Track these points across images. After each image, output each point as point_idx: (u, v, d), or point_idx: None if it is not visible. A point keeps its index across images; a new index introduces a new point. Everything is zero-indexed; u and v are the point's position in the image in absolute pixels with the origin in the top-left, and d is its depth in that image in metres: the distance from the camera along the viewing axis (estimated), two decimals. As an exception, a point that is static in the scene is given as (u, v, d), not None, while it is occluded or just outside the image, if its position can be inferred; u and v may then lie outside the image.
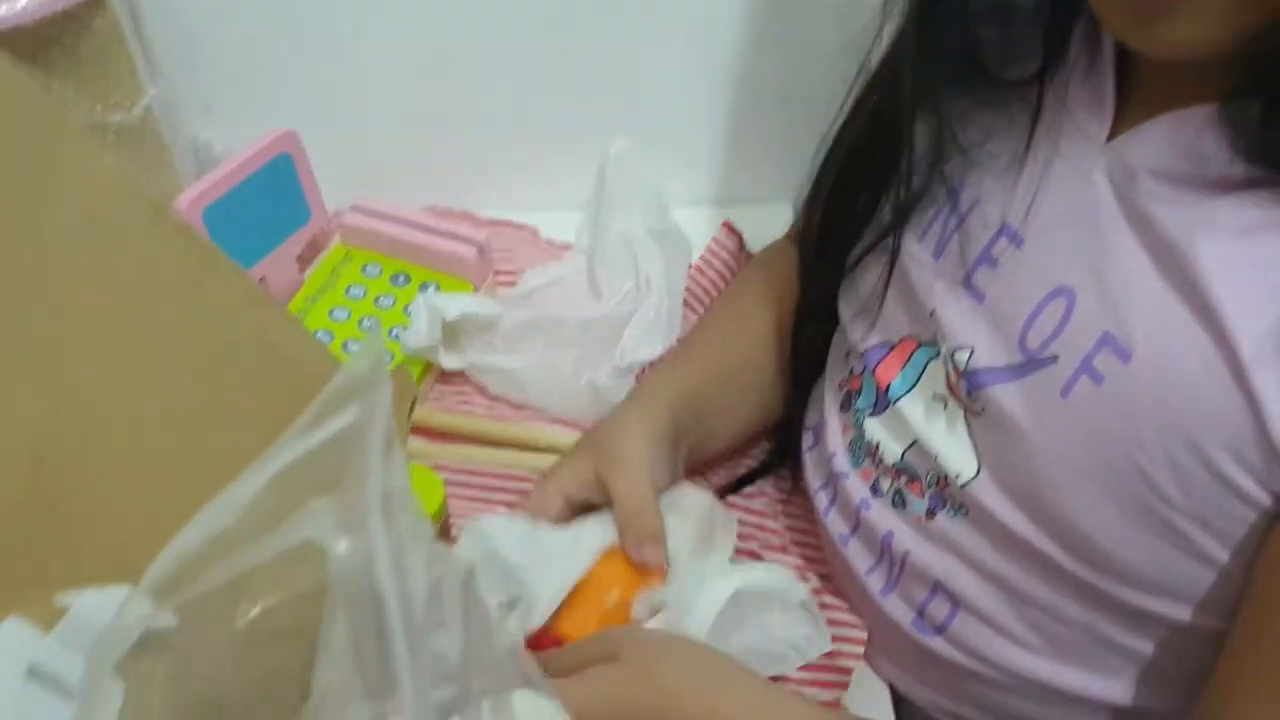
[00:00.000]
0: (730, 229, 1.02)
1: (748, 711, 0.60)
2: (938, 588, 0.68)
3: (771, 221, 1.08)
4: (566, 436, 0.86)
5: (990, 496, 0.63)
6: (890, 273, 0.70)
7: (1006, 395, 0.61)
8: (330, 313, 0.94)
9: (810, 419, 0.81)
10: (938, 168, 0.68)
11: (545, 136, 1.06)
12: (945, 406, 0.66)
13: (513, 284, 0.99)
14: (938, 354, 0.67)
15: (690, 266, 1.00)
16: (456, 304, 0.87)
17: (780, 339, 0.83)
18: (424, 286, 0.96)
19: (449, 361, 0.90)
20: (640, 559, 0.68)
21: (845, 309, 0.75)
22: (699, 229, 1.02)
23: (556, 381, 0.88)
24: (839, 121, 0.76)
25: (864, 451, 0.72)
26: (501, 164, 1.08)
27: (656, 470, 0.72)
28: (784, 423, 0.85)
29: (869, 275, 0.73)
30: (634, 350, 0.88)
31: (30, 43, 0.85)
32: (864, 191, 0.74)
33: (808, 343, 0.81)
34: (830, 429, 0.76)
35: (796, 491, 0.83)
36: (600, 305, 0.93)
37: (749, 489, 0.84)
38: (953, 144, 0.67)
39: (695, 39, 0.99)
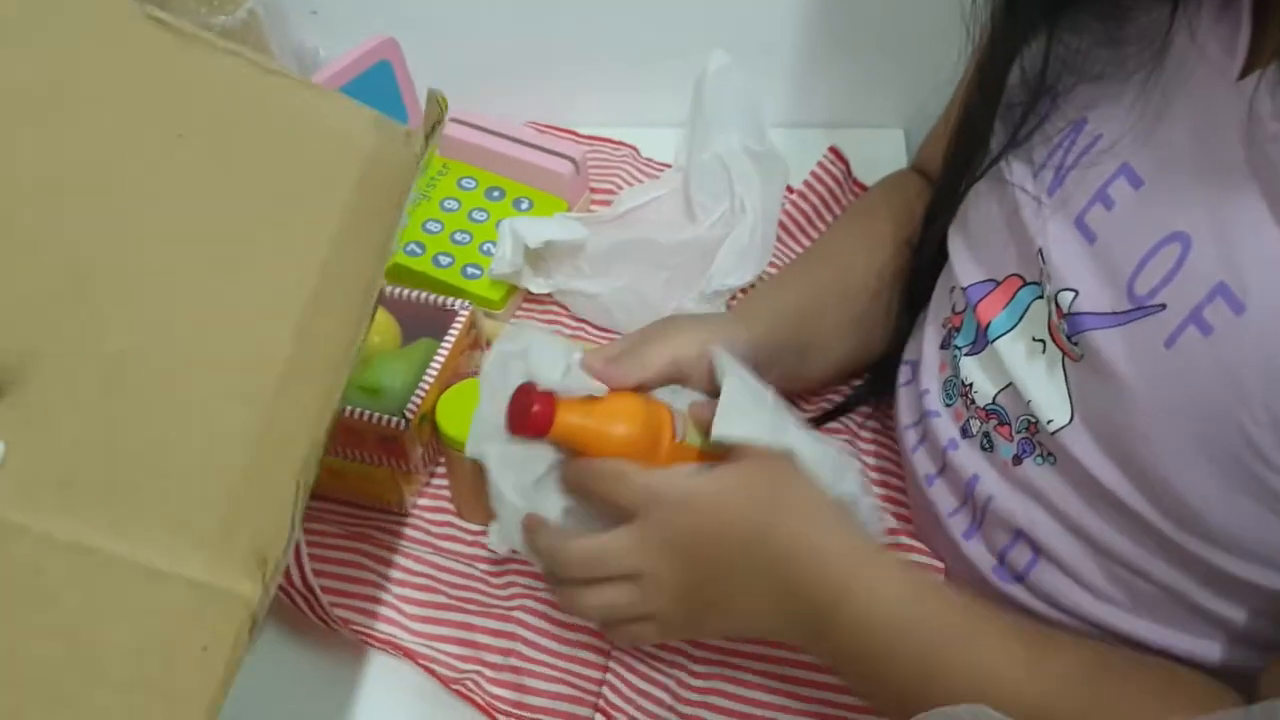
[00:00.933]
0: (837, 154, 0.99)
1: (850, 555, 0.60)
2: (1020, 535, 0.66)
3: (879, 147, 1.05)
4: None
5: (1081, 445, 0.61)
6: (1008, 202, 0.67)
7: (1108, 342, 0.59)
8: (424, 225, 0.94)
9: (909, 353, 0.79)
10: (1052, 92, 0.64)
11: (649, 50, 1.03)
12: (1044, 349, 0.64)
13: (608, 204, 0.98)
14: (1042, 294, 0.64)
15: (791, 191, 0.97)
16: (540, 230, 0.86)
17: (897, 269, 0.80)
18: (518, 202, 0.96)
19: (535, 285, 0.89)
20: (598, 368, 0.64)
21: (954, 240, 0.73)
22: (801, 152, 0.99)
23: (642, 307, 0.87)
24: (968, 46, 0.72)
25: (956, 391, 0.71)
26: (604, 79, 1.06)
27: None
28: (884, 357, 0.83)
29: (980, 207, 0.70)
30: (724, 276, 0.86)
31: (137, -57, 0.85)
32: (990, 120, 0.70)
33: (923, 276, 0.78)
34: (927, 366, 0.74)
35: (884, 429, 0.82)
36: (694, 227, 0.91)
37: (832, 424, 0.82)
38: (1068, 68, 0.63)
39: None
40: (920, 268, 0.79)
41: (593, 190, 1.00)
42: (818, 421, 0.82)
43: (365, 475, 0.76)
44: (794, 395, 0.82)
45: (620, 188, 1.00)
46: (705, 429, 0.62)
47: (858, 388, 0.85)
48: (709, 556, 0.60)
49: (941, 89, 1.03)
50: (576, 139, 1.06)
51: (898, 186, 0.87)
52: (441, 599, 0.74)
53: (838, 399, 0.85)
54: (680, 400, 0.65)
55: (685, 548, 0.60)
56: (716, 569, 0.61)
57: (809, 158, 0.99)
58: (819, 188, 0.97)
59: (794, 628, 0.62)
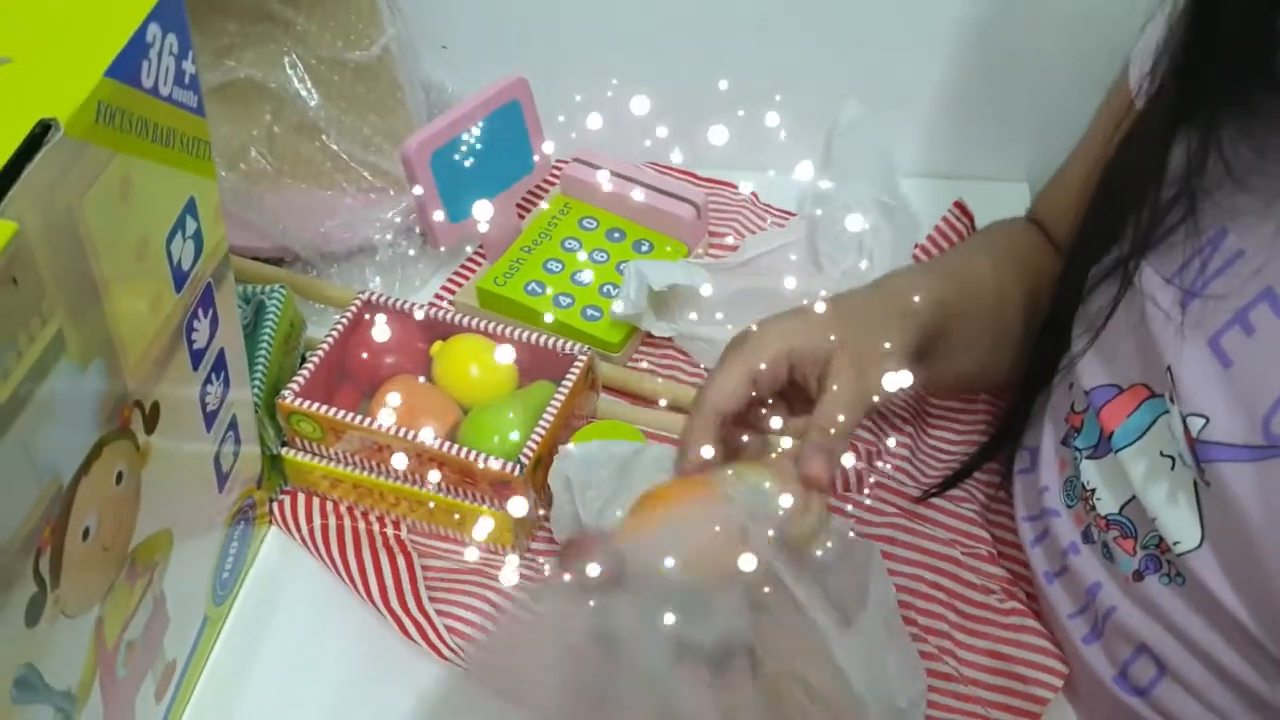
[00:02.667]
0: (962, 209, 0.96)
1: None
2: (1144, 649, 0.63)
3: (1005, 200, 1.02)
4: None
5: (1210, 572, 0.57)
6: (1115, 305, 0.63)
7: (1239, 476, 0.54)
8: (545, 264, 0.93)
9: (1029, 439, 0.76)
10: (1195, 195, 0.59)
11: (773, 97, 1.02)
12: (1173, 467, 0.59)
13: (728, 248, 0.97)
14: (1169, 411, 0.60)
15: (915, 246, 0.95)
16: (665, 274, 0.85)
17: (1030, 307, 0.75)
18: (638, 244, 0.95)
19: (658, 329, 0.88)
20: (806, 470, 0.59)
21: (1078, 336, 0.68)
22: (925, 202, 0.97)
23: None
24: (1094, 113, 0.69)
25: (1077, 494, 0.67)
26: (726, 123, 1.04)
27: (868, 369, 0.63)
28: (1005, 417, 0.79)
29: (1104, 301, 0.65)
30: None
31: (278, -22, 0.87)
32: (1115, 206, 0.66)
33: (1045, 351, 0.73)
34: (1045, 460, 0.71)
35: (1005, 499, 0.79)
36: (820, 278, 0.89)
37: (957, 492, 0.79)
38: (1217, 168, 0.58)
39: (933, 7, 0.94)
40: (1042, 343, 0.74)
41: (711, 234, 0.98)
42: (935, 491, 0.79)
43: (479, 516, 0.75)
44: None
45: (738, 232, 0.99)
46: None
47: (974, 455, 0.81)
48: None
49: (1065, 142, 1.01)
50: (695, 181, 1.04)
51: (1016, 234, 0.82)
52: None
53: (954, 465, 0.81)
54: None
55: None
56: None
57: (932, 208, 0.96)
58: (943, 243, 0.95)
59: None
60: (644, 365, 0.89)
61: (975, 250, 0.80)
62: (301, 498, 0.79)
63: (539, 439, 0.72)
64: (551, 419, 0.73)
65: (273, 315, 0.81)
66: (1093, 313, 0.66)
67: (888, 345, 0.63)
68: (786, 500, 0.56)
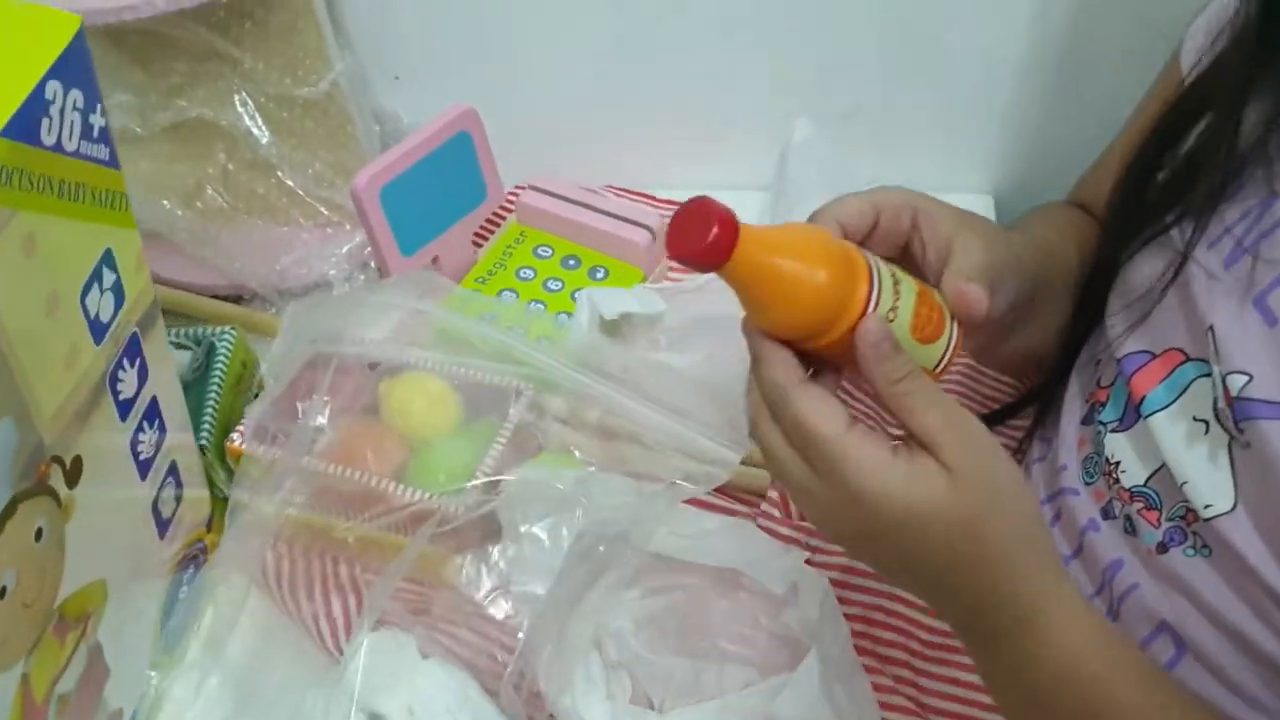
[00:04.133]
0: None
1: (1055, 607, 0.53)
2: (1163, 628, 0.61)
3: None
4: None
5: (1242, 536, 0.56)
6: (1175, 274, 0.61)
7: (1279, 433, 0.54)
8: (500, 294, 0.93)
9: (1044, 429, 0.75)
10: (1262, 156, 0.59)
11: (730, 115, 1.02)
12: (1207, 431, 0.59)
13: (686, 271, 0.96)
14: (1208, 373, 0.59)
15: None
16: (618, 302, 0.85)
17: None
18: (594, 271, 0.94)
19: (612, 356, 0.88)
20: (959, 292, 0.55)
21: (1113, 305, 0.67)
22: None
23: (721, 382, 0.85)
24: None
25: (1099, 469, 0.66)
26: (684, 143, 1.04)
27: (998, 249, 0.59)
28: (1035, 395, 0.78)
29: (1145, 270, 0.64)
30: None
31: (222, 16, 0.87)
32: (1161, 173, 0.65)
33: (1081, 330, 0.72)
34: (1065, 441, 0.70)
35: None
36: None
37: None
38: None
39: (883, 17, 0.93)
40: (1079, 323, 0.72)
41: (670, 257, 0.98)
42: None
43: (425, 555, 0.74)
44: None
45: (701, 256, 0.98)
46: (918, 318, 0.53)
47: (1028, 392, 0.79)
48: (887, 553, 0.53)
49: (1033, 153, 1.01)
50: (655, 204, 1.04)
51: (1076, 212, 0.81)
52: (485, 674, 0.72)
53: None
54: None
55: (862, 536, 0.53)
56: (891, 559, 0.54)
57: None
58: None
59: (957, 615, 0.56)
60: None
61: (1046, 224, 0.78)
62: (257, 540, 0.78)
63: (483, 475, 0.72)
64: (497, 457, 0.73)
65: (223, 357, 0.81)
66: (1131, 281, 0.65)
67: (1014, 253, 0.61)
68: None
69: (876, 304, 0.51)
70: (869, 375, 0.51)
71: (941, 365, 0.55)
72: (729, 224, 0.47)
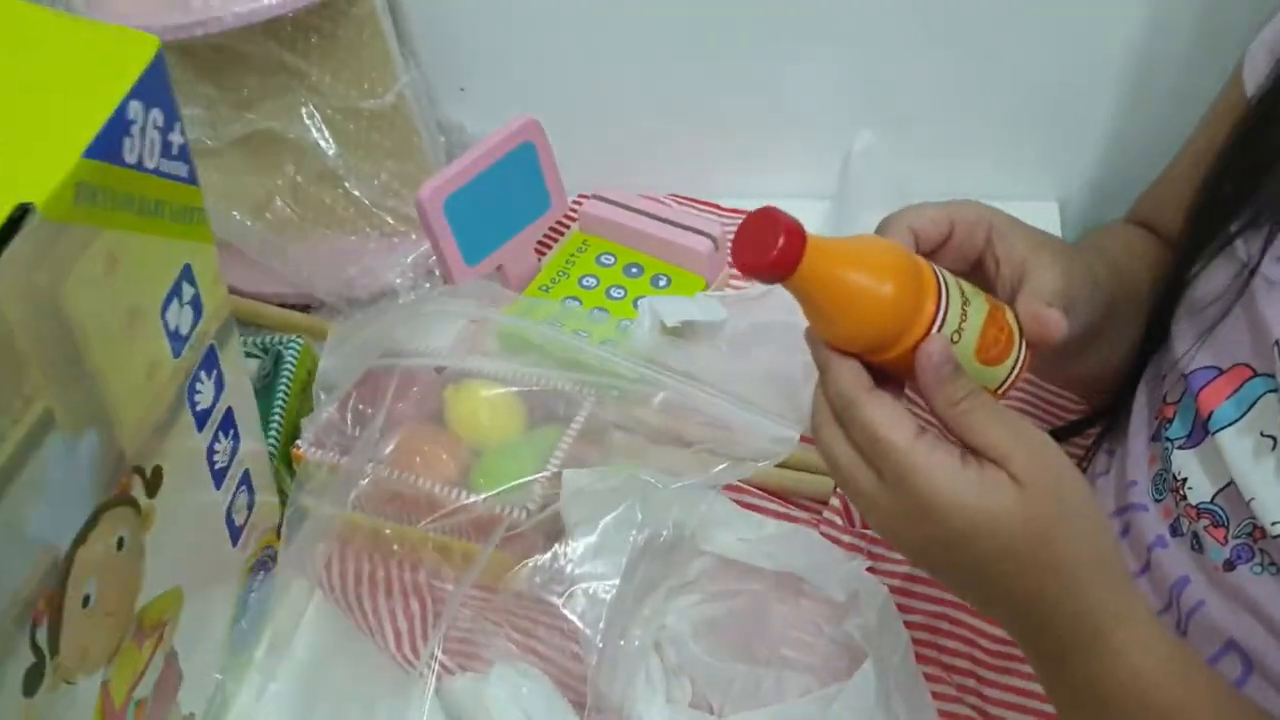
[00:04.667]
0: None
1: (1125, 633, 0.52)
2: (1231, 645, 0.61)
3: (1032, 220, 1.01)
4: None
5: None
6: (1244, 287, 0.61)
7: None
8: (563, 302, 0.94)
9: (1111, 441, 0.75)
10: None
11: (794, 124, 1.02)
12: (1274, 446, 0.58)
13: (749, 280, 0.97)
14: (1276, 388, 0.58)
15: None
16: (680, 310, 0.85)
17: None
18: (656, 279, 0.95)
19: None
20: (1035, 315, 0.55)
21: (1180, 319, 0.67)
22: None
23: (781, 390, 0.85)
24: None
25: (1167, 486, 0.66)
26: (746, 151, 1.05)
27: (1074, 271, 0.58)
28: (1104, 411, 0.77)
29: (1211, 284, 0.64)
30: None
31: (290, 31, 0.88)
32: (1230, 185, 0.65)
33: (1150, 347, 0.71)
34: (1134, 457, 0.69)
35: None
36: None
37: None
38: None
39: (945, 26, 0.93)
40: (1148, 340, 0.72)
41: (731, 265, 0.98)
42: None
43: (493, 560, 0.76)
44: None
45: (762, 263, 0.98)
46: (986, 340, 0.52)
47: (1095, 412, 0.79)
48: (954, 563, 0.53)
49: (1096, 158, 1.00)
50: (718, 212, 1.04)
51: (1137, 232, 0.80)
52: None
53: None
54: None
55: (929, 546, 0.52)
56: (958, 570, 0.53)
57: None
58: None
59: (1025, 629, 0.55)
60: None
61: (1115, 242, 0.78)
62: (335, 544, 0.80)
63: (548, 479, 0.73)
64: (557, 465, 0.73)
65: (289, 366, 0.83)
66: (1197, 296, 0.65)
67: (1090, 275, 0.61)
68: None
69: (942, 323, 0.50)
70: (928, 396, 0.51)
71: (1004, 387, 0.55)
72: (796, 235, 0.46)
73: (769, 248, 0.46)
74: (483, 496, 0.72)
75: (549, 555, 0.70)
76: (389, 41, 0.92)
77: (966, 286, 0.53)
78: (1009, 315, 0.55)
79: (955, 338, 0.51)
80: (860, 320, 0.50)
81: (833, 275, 0.48)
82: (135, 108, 0.52)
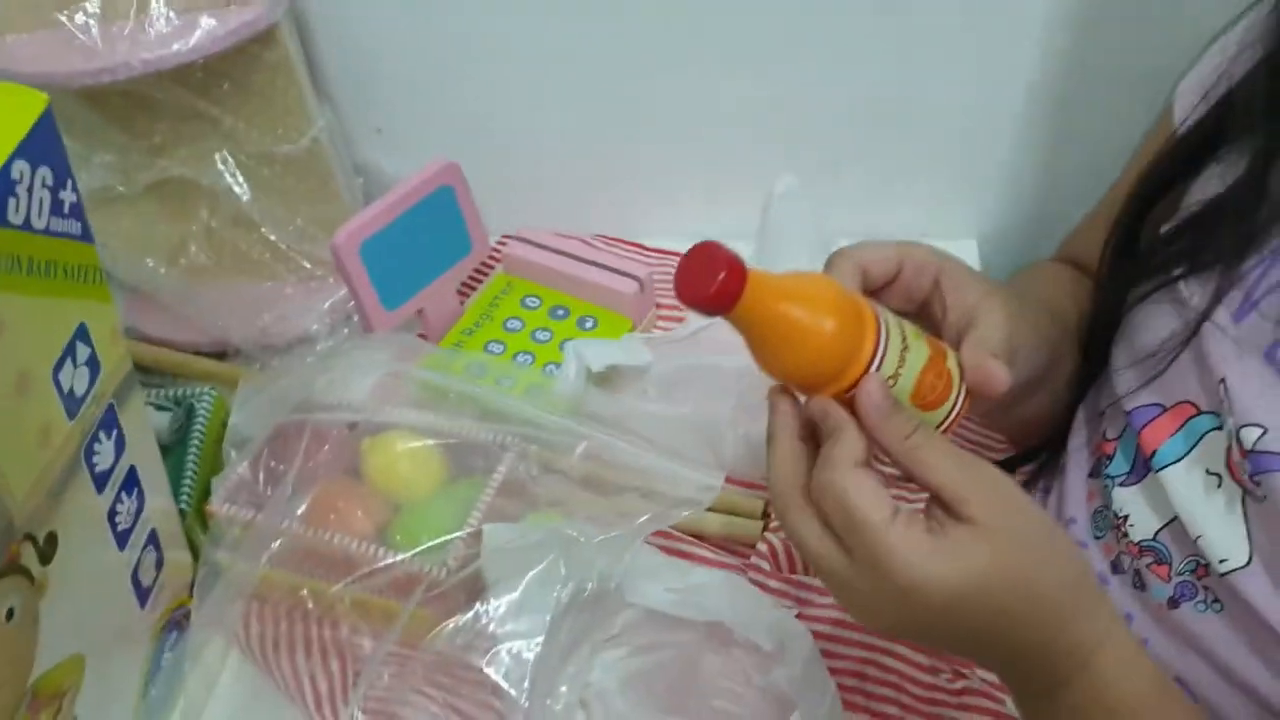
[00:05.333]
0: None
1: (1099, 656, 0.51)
2: (1177, 683, 0.60)
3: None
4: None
5: (1258, 590, 0.55)
6: (1191, 335, 0.60)
7: None
8: (486, 346, 0.92)
9: (1045, 479, 0.75)
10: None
11: (716, 165, 1.02)
12: (1220, 484, 0.58)
13: (675, 319, 0.96)
14: (1220, 426, 0.58)
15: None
16: (605, 354, 0.84)
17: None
18: (582, 321, 0.94)
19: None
20: (979, 366, 0.54)
21: (1118, 358, 0.66)
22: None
23: (708, 433, 0.84)
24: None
25: (1108, 523, 0.65)
26: (670, 192, 1.04)
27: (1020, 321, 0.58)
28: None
29: (1150, 325, 0.64)
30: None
31: (201, 77, 0.87)
32: (1166, 226, 0.65)
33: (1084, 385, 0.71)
34: (1073, 494, 0.69)
35: None
36: (761, 350, 0.88)
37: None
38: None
39: (865, 74, 0.93)
40: (1085, 377, 0.71)
41: (658, 305, 0.97)
42: None
43: (414, 618, 0.74)
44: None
45: (688, 304, 0.98)
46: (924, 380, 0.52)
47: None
48: (944, 634, 0.51)
49: (1013, 197, 1.00)
50: (643, 253, 1.04)
51: (1066, 271, 0.80)
52: None
53: None
54: None
55: (914, 625, 0.51)
56: (947, 639, 0.52)
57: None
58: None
59: (1019, 676, 0.54)
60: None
61: (1050, 285, 0.78)
62: (252, 602, 0.77)
63: (469, 534, 0.71)
64: (478, 519, 0.72)
65: (202, 418, 0.81)
66: (1138, 335, 0.65)
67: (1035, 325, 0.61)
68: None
69: (880, 363, 0.50)
70: (875, 434, 0.50)
71: (940, 430, 0.54)
72: (736, 269, 0.47)
73: (710, 281, 0.46)
74: (399, 556, 0.70)
75: (470, 614, 0.68)
76: (303, 86, 0.90)
77: (909, 328, 0.53)
78: (950, 360, 0.54)
79: (891, 381, 0.51)
80: (798, 355, 0.50)
81: (772, 310, 0.48)
82: (21, 167, 0.50)
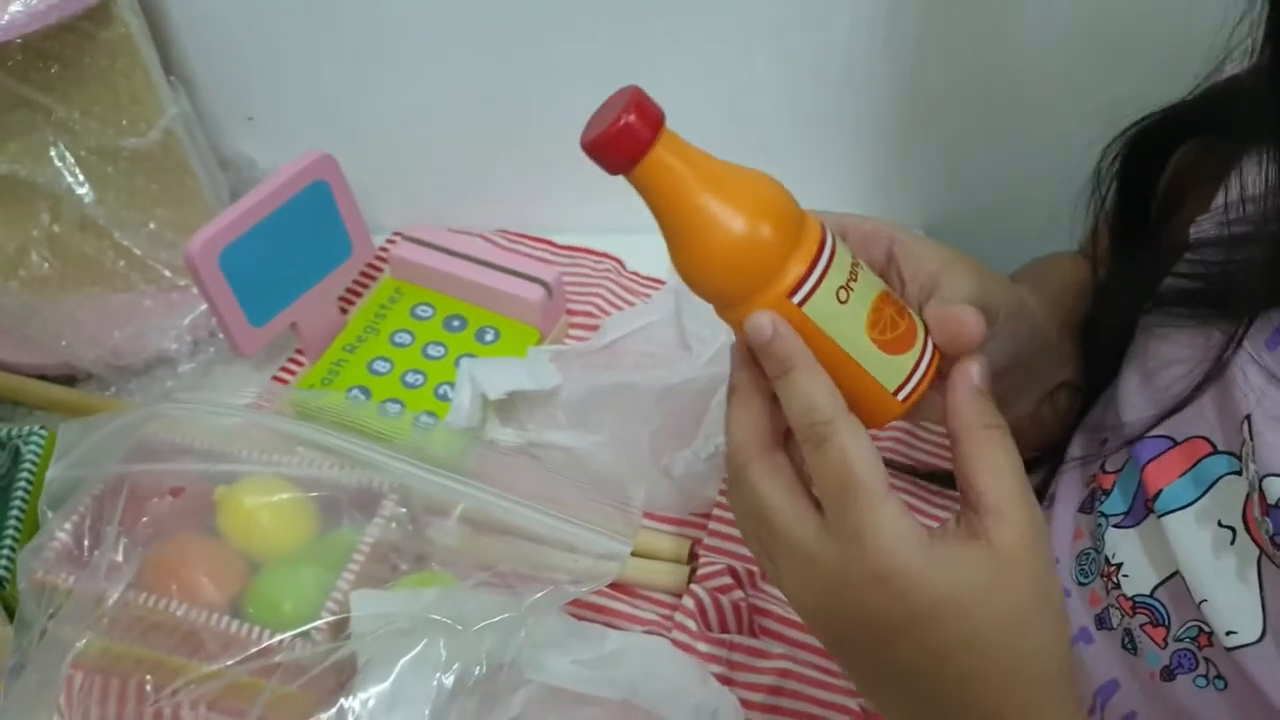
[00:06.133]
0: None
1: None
2: None
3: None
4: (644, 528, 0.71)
5: (1269, 672, 0.46)
6: (1218, 367, 0.51)
7: None
8: (370, 364, 0.81)
9: None
10: None
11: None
12: (1233, 540, 0.49)
13: (589, 327, 0.85)
14: (1239, 470, 0.49)
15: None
16: (504, 378, 0.73)
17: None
18: (481, 333, 0.83)
19: (503, 436, 0.76)
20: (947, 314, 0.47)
21: (1128, 380, 0.57)
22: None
23: (627, 463, 0.74)
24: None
25: (1096, 568, 0.56)
26: (584, 179, 0.92)
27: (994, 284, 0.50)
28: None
29: (1166, 343, 0.54)
30: (720, 431, 0.72)
31: (21, 60, 0.74)
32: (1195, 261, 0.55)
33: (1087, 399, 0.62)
34: (1057, 529, 0.59)
35: None
36: (686, 366, 0.77)
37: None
38: None
39: (804, 51, 0.83)
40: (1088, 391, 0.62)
41: (570, 312, 0.86)
42: None
43: (281, 697, 0.62)
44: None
45: (603, 309, 0.87)
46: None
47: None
48: (895, 651, 0.44)
49: (966, 184, 0.91)
50: (552, 250, 0.93)
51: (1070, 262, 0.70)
52: None
53: None
54: None
55: (861, 631, 0.44)
56: (894, 663, 0.44)
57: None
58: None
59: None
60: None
61: (1054, 273, 0.68)
62: (78, 676, 0.66)
63: (335, 605, 0.60)
64: (352, 579, 0.61)
65: (30, 463, 0.69)
66: (1150, 356, 0.55)
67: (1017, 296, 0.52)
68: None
69: (824, 272, 0.42)
70: (959, 406, 0.44)
71: (909, 390, 0.45)
72: (648, 116, 0.40)
73: (614, 122, 0.39)
74: (253, 631, 0.59)
75: (334, 710, 0.56)
76: (150, 69, 0.78)
77: (861, 263, 0.45)
78: (913, 313, 0.46)
79: (843, 295, 0.43)
80: (722, 243, 0.41)
81: (686, 179, 0.41)
82: None
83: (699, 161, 0.41)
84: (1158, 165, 0.61)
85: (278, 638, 0.59)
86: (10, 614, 0.64)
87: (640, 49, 0.84)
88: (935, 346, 0.46)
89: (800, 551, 0.43)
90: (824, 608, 0.44)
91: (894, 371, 0.44)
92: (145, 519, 0.63)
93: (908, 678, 0.44)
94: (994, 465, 0.43)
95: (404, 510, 0.63)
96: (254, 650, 0.59)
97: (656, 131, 0.40)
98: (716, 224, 0.41)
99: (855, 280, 0.43)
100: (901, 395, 0.45)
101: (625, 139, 0.40)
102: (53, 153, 0.79)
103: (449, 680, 0.57)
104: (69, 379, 0.84)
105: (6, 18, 0.69)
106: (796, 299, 0.42)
